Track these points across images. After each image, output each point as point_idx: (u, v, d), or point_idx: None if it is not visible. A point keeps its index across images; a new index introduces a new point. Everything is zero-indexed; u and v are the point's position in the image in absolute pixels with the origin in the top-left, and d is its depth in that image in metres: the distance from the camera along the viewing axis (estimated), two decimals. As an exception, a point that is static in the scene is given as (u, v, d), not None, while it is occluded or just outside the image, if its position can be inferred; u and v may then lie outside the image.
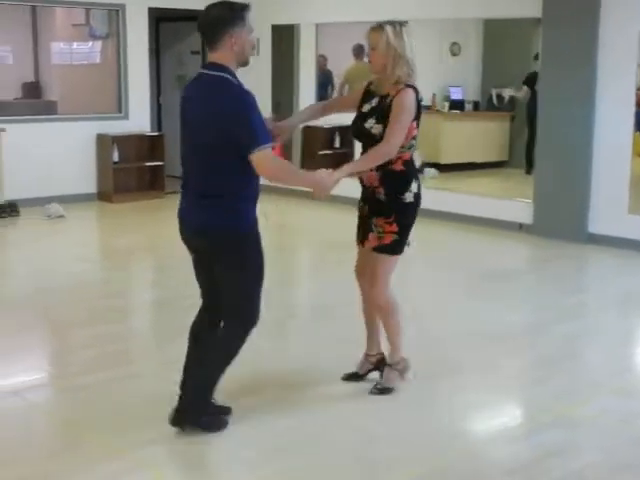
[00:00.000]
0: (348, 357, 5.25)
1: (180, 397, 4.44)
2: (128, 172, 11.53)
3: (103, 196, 11.58)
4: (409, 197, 4.78)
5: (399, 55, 4.63)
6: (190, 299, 6.87)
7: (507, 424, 4.86)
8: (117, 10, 11.64)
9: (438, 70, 13.37)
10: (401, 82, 4.65)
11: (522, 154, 12.82)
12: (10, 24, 13.21)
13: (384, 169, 4.71)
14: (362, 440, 4.48)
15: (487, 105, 13.75)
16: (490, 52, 13.50)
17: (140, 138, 11.96)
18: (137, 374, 4.89)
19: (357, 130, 4.84)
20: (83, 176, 11.56)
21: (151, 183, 12.00)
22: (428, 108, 13.21)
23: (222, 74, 4.17)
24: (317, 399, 5.00)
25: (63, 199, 10.85)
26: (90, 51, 13.18)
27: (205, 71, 4.26)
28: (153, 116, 12.60)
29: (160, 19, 13.34)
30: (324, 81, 12.61)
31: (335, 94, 12.57)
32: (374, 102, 4.80)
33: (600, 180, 9.25)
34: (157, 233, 9.46)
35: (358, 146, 5.00)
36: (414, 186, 4.79)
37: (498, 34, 12.93)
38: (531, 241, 9.54)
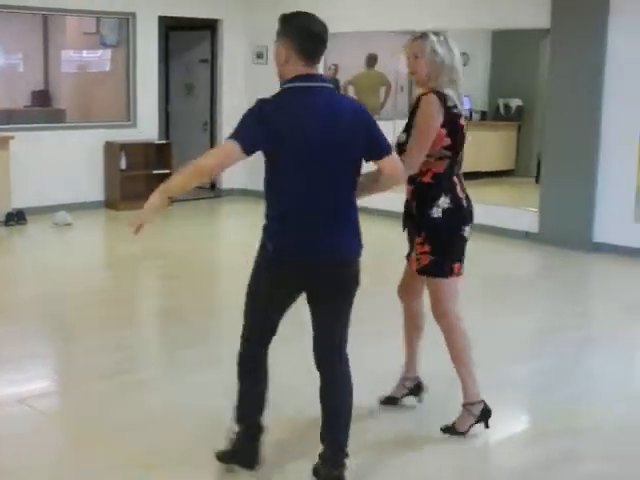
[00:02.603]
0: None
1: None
2: (135, 180, 11.51)
3: (110, 204, 11.60)
4: (436, 212, 4.46)
5: (443, 63, 4.37)
6: (195, 308, 6.96)
7: (514, 430, 4.89)
8: (127, 19, 11.70)
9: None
10: (430, 89, 4.38)
11: (529, 163, 12.83)
12: (21, 32, 13.30)
13: (414, 182, 4.44)
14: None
15: (494, 115, 13.78)
16: (498, 62, 13.52)
17: (148, 146, 11.99)
18: (144, 382, 4.89)
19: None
20: (90, 184, 11.59)
21: (158, 191, 11.96)
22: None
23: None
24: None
25: (70, 207, 10.87)
26: (100, 59, 13.23)
27: (321, 84, 3.86)
28: (161, 124, 12.64)
29: (170, 28, 13.37)
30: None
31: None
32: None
33: (606, 189, 9.27)
34: (163, 241, 9.48)
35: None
36: (443, 201, 4.47)
37: (506, 45, 12.95)
38: (537, 249, 9.55)
